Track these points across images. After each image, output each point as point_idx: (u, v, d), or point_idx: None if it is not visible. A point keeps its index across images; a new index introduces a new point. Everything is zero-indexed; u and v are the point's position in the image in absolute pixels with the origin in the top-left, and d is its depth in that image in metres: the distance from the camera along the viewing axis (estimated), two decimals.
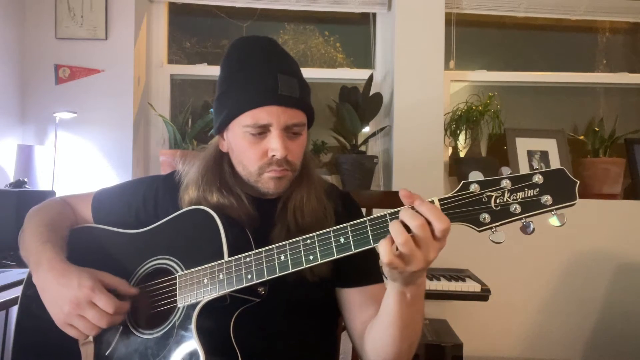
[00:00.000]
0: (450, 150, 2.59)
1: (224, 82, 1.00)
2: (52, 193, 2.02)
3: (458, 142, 2.54)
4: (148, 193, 1.09)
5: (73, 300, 0.87)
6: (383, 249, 0.73)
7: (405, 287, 0.80)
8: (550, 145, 2.46)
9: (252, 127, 0.94)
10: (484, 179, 0.74)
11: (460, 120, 2.45)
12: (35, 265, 0.95)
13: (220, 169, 1.04)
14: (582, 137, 2.58)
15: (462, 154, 2.56)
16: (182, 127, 2.39)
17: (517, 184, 0.72)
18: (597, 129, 2.48)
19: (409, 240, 0.71)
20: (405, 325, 0.85)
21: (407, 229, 0.72)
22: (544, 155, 2.45)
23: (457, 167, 2.49)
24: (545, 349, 2.37)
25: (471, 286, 1.91)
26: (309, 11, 2.60)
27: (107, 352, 0.93)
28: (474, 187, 0.73)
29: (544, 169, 0.72)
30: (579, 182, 0.71)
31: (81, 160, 2.34)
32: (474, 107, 2.44)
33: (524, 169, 2.39)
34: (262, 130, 0.95)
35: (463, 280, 1.97)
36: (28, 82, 2.35)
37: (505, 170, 0.74)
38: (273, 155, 0.95)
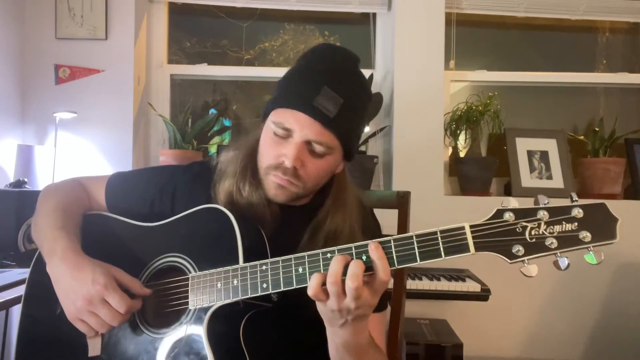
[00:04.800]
0: (450, 150, 2.59)
1: (287, 73, 0.99)
2: None
3: (458, 142, 2.54)
4: (166, 184, 1.07)
5: (86, 296, 0.86)
6: (312, 281, 0.75)
7: (330, 326, 0.82)
8: (550, 145, 2.46)
9: (278, 126, 0.92)
10: (519, 207, 0.70)
11: (460, 120, 2.44)
12: (49, 253, 0.93)
13: (254, 160, 1.01)
14: (582, 137, 2.58)
15: (462, 154, 2.56)
16: (182, 127, 2.39)
17: (554, 216, 0.69)
18: (597, 129, 2.48)
19: (338, 283, 0.73)
20: None
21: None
22: (544, 155, 2.45)
23: (457, 167, 2.49)
24: (545, 349, 2.37)
25: (471, 286, 1.91)
26: (309, 11, 2.60)
27: (115, 348, 0.92)
28: (508, 216, 0.70)
29: (584, 203, 0.69)
30: (620, 219, 0.68)
31: (81, 160, 2.34)
32: (474, 107, 2.44)
33: (524, 169, 2.42)
34: (286, 134, 0.92)
35: (463, 280, 1.97)
36: (28, 82, 2.35)
37: (542, 199, 0.70)
38: (283, 161, 0.92)
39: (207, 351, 0.83)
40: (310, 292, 0.75)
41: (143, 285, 0.92)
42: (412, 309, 2.28)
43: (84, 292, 0.86)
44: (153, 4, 2.57)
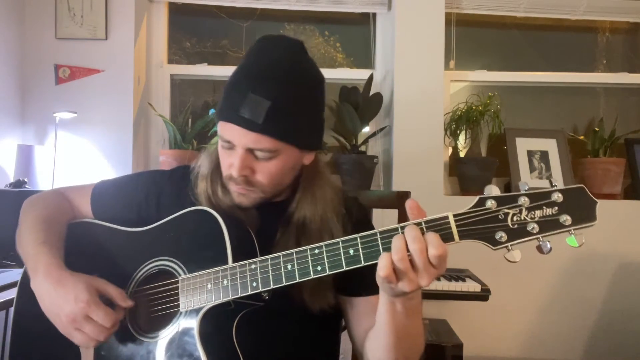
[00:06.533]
0: (450, 150, 2.59)
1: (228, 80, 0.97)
2: None
3: (458, 142, 2.54)
4: (151, 189, 1.07)
5: (69, 314, 0.85)
6: (383, 261, 0.72)
7: (394, 297, 0.79)
8: (550, 145, 2.46)
9: (221, 139, 0.93)
10: (500, 194, 0.71)
11: (460, 120, 2.44)
12: (32, 269, 0.93)
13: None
14: (582, 137, 2.58)
15: (462, 154, 2.55)
16: (182, 127, 2.39)
17: (535, 201, 0.69)
18: (597, 129, 2.48)
19: (405, 259, 0.71)
20: (399, 337, 0.85)
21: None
22: (544, 155, 2.45)
23: (457, 167, 2.49)
24: (545, 349, 2.37)
25: (471, 286, 1.91)
26: (309, 11, 2.59)
27: (108, 354, 0.92)
28: (490, 204, 0.71)
29: (563, 187, 0.69)
30: (599, 201, 0.69)
31: (81, 160, 2.34)
32: (474, 107, 2.44)
33: (524, 169, 2.41)
34: (229, 146, 0.93)
35: (463, 280, 1.97)
36: (28, 82, 2.35)
37: (523, 186, 0.71)
38: (232, 172, 0.93)
39: (200, 352, 0.83)
40: (383, 273, 0.72)
41: (127, 297, 0.91)
42: None
43: (67, 310, 0.86)
44: (153, 4, 2.57)
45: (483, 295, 1.90)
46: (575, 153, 2.55)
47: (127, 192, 1.09)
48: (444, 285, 1.91)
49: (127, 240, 1.01)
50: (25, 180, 1.98)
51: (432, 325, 2.14)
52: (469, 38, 2.65)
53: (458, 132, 2.48)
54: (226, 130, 0.91)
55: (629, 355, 2.34)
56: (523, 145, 2.46)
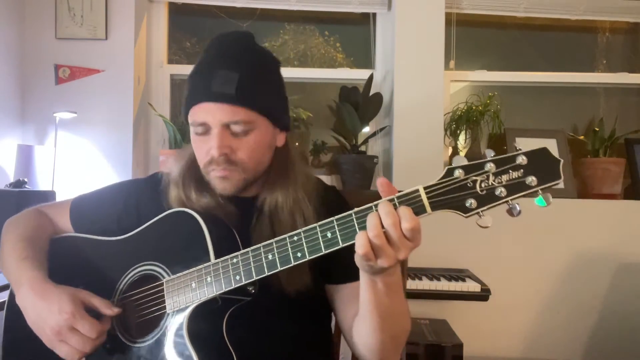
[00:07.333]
0: (450, 150, 2.59)
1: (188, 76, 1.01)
2: (52, 193, 2.02)
3: (458, 142, 2.54)
4: (129, 198, 1.08)
5: (54, 327, 0.85)
6: (360, 240, 0.73)
7: (374, 275, 0.80)
8: (550, 145, 2.43)
9: (194, 126, 0.95)
10: (467, 163, 0.73)
11: (460, 120, 2.45)
12: (16, 284, 0.93)
13: (197, 166, 1.02)
14: (582, 137, 2.58)
15: (462, 154, 2.56)
16: (182, 127, 2.39)
17: (501, 166, 0.72)
18: (597, 129, 2.48)
19: (381, 235, 0.72)
20: (383, 317, 0.85)
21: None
22: None
23: None
24: (545, 349, 2.37)
25: (471, 286, 1.91)
26: (309, 11, 2.59)
27: None
28: (458, 173, 0.73)
29: (527, 150, 0.72)
30: (562, 160, 0.71)
31: (81, 160, 2.34)
32: (474, 107, 2.44)
33: None
34: (205, 130, 0.94)
35: (463, 280, 1.97)
36: (28, 82, 2.35)
37: (489, 153, 0.73)
38: (212, 154, 0.94)
39: (191, 352, 0.83)
40: (361, 251, 0.73)
41: (112, 306, 0.91)
42: (412, 309, 2.24)
43: (52, 322, 0.86)
44: (153, 4, 2.57)
45: (483, 295, 1.91)
46: (575, 153, 2.55)
47: (105, 204, 1.10)
48: (444, 285, 1.92)
49: (109, 250, 1.01)
50: (25, 180, 1.98)
51: (432, 325, 2.14)
52: (469, 38, 2.65)
53: (458, 132, 2.48)
54: (200, 111, 0.93)
55: (628, 356, 2.34)
56: (523, 145, 2.44)
